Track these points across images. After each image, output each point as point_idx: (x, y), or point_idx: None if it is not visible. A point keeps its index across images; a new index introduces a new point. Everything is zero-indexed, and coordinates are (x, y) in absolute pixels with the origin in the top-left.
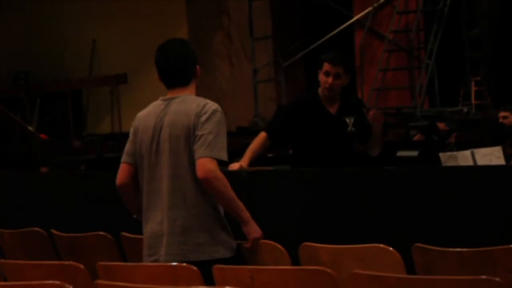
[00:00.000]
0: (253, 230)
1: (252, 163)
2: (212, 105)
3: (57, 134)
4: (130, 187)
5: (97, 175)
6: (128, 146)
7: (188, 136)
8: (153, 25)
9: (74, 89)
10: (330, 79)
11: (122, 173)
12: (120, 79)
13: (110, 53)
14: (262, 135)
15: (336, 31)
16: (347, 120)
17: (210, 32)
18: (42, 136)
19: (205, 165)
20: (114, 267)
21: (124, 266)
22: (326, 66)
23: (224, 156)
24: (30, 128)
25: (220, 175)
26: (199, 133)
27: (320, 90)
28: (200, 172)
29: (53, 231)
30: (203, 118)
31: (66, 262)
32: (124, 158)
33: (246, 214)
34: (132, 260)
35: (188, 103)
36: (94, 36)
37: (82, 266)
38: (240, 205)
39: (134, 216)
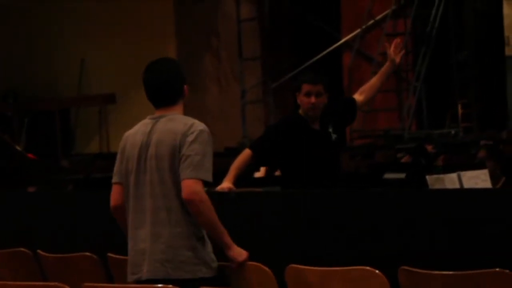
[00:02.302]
0: (237, 254)
1: (237, 181)
2: (199, 125)
3: (45, 153)
4: (124, 208)
5: (84, 195)
6: (116, 165)
7: (173, 155)
8: (142, 46)
9: (62, 108)
10: (312, 99)
11: (115, 194)
12: (108, 98)
13: (98, 73)
14: (246, 152)
15: (324, 52)
16: (329, 130)
17: (199, 53)
18: (30, 155)
19: (191, 187)
20: None
21: (110, 287)
22: (306, 87)
23: (209, 177)
24: (18, 147)
25: (205, 197)
26: (186, 153)
27: (301, 112)
28: (185, 194)
29: (39, 251)
30: (190, 138)
31: (52, 283)
32: (114, 178)
33: (228, 239)
34: (118, 281)
35: (175, 122)
36: (83, 55)
37: (67, 287)
38: (223, 229)
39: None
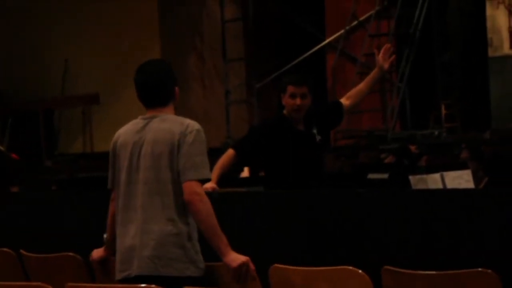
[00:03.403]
0: (231, 260)
1: (220, 181)
2: (194, 124)
3: (28, 154)
4: None
5: (68, 195)
6: (110, 170)
7: (172, 154)
8: (126, 46)
9: (46, 109)
10: (298, 100)
11: (114, 199)
12: (92, 99)
13: (82, 73)
14: (230, 152)
15: (308, 53)
16: (314, 131)
17: (183, 54)
18: (13, 155)
19: (192, 188)
20: None
21: (93, 287)
22: (291, 89)
23: (209, 174)
24: (1, 147)
25: (206, 198)
26: (187, 154)
27: (285, 112)
28: (186, 195)
29: (22, 251)
30: (189, 138)
31: (35, 283)
32: (111, 184)
33: (224, 246)
34: (101, 281)
35: (170, 122)
36: (66, 55)
37: (50, 287)
38: (221, 234)
39: (105, 235)
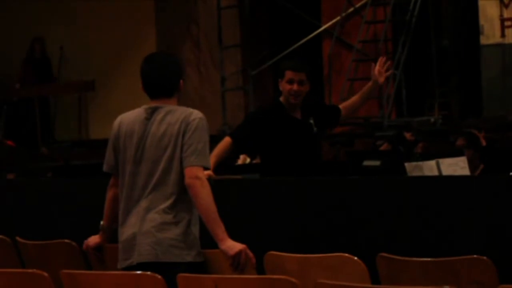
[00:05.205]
0: (228, 247)
1: (217, 168)
2: (198, 113)
3: (24, 141)
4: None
5: (63, 182)
6: (110, 154)
7: (176, 144)
8: (122, 33)
9: (41, 96)
10: (295, 86)
11: (113, 185)
12: (87, 86)
13: (78, 60)
14: (227, 140)
15: (304, 40)
16: (311, 121)
17: (179, 41)
18: (9, 142)
19: (193, 173)
20: (78, 275)
21: (89, 274)
22: (289, 74)
23: (209, 163)
24: None
25: (207, 184)
26: (189, 141)
27: (282, 98)
28: (188, 179)
29: (17, 238)
30: (193, 126)
31: (30, 270)
32: (110, 169)
33: (221, 232)
34: (97, 269)
35: (174, 113)
36: (61, 43)
37: (46, 274)
38: (219, 220)
39: (102, 222)
